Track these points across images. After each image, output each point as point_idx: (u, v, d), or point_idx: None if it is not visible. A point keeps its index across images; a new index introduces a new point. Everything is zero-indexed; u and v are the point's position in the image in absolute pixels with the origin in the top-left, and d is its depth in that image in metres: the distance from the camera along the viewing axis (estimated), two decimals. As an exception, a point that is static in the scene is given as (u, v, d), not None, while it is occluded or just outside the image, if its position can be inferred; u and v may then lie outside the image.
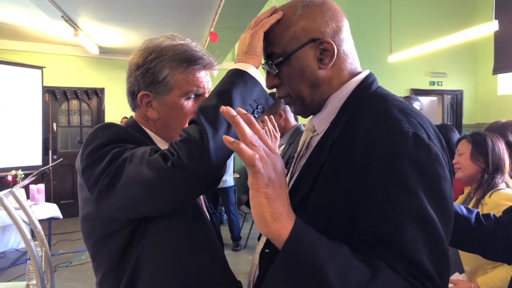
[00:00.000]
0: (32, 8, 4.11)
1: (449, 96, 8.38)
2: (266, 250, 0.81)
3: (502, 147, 1.81)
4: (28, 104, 5.59)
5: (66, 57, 6.55)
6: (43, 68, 5.83)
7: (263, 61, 0.87)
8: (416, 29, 7.24)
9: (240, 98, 0.81)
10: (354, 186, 0.69)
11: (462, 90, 8.29)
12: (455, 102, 8.39)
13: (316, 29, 0.80)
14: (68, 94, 6.63)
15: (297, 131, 2.22)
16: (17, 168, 4.90)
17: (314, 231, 0.64)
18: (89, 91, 6.75)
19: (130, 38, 5.56)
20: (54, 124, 6.57)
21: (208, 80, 1.00)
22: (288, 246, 0.61)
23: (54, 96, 6.55)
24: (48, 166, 1.94)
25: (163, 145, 0.98)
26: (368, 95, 0.80)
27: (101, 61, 6.63)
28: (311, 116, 0.89)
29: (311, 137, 0.89)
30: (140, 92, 0.96)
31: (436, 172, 0.68)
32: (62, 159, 2.97)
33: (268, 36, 0.83)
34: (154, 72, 0.94)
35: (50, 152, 6.39)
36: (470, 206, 1.76)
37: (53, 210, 4.71)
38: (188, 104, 0.97)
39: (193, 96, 0.97)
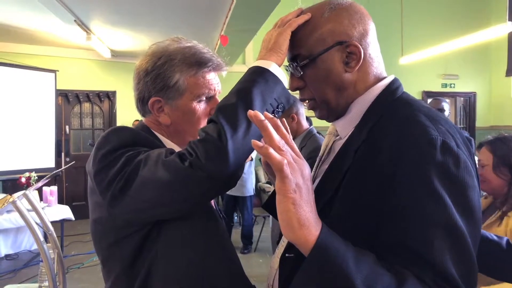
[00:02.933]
0: (46, 12, 4.17)
1: (461, 98, 8.29)
2: (287, 255, 0.80)
3: None
4: (41, 107, 5.67)
5: (79, 60, 6.63)
6: (56, 72, 5.91)
7: (285, 62, 0.86)
8: (428, 31, 7.18)
9: (261, 96, 0.79)
10: (380, 193, 0.67)
11: (475, 92, 8.20)
12: (468, 104, 8.29)
13: (343, 32, 0.79)
14: (81, 97, 6.71)
15: (309, 135, 2.21)
16: (30, 171, 4.97)
17: (340, 238, 0.64)
18: (101, 94, 6.82)
19: (141, 42, 5.61)
20: (67, 127, 6.66)
21: (218, 82, 1.00)
22: (315, 253, 0.60)
23: (66, 99, 6.64)
24: (61, 169, 1.96)
25: (175, 149, 0.96)
26: (393, 101, 0.79)
27: (113, 64, 6.71)
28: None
29: (334, 141, 0.87)
30: (151, 98, 0.95)
31: (464, 181, 0.66)
32: (74, 161, 3.00)
33: (294, 37, 0.82)
34: (164, 77, 0.93)
35: (62, 154, 6.47)
36: (494, 218, 1.64)
37: (65, 212, 4.77)
38: (200, 107, 0.96)
39: (204, 98, 0.97)
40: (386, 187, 0.66)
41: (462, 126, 8.27)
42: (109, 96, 6.88)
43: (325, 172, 0.81)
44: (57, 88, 5.95)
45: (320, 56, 0.79)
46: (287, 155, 0.61)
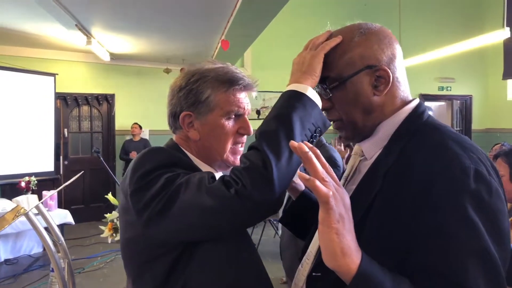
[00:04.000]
0: (46, 16, 4.16)
1: (458, 101, 8.35)
2: (314, 274, 0.82)
3: None
4: (40, 111, 5.65)
5: (78, 63, 6.61)
6: (56, 75, 5.89)
7: None
8: (425, 35, 7.24)
9: (300, 122, 0.80)
10: (411, 218, 0.69)
11: (471, 95, 8.27)
12: (464, 107, 8.36)
13: (373, 56, 0.81)
14: (79, 100, 6.69)
15: (319, 144, 2.23)
16: (29, 175, 4.96)
17: (378, 265, 0.66)
18: (99, 97, 6.81)
19: (141, 45, 5.61)
20: (66, 130, 6.63)
21: (248, 102, 1.02)
22: (357, 281, 0.62)
23: (65, 102, 6.61)
24: (71, 180, 1.96)
25: (203, 167, 0.99)
26: (420, 125, 0.80)
27: (112, 68, 6.69)
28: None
29: (360, 162, 0.89)
30: (182, 112, 0.98)
31: (497, 208, 0.68)
32: (83, 171, 2.99)
33: (324, 60, 0.83)
34: (196, 93, 0.96)
35: (61, 157, 6.44)
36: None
37: (65, 216, 4.76)
38: (229, 124, 0.98)
39: (233, 116, 0.99)
40: (419, 213, 0.68)
41: (458, 129, 8.34)
42: (108, 99, 6.86)
43: (353, 193, 0.83)
44: (56, 91, 5.94)
45: (349, 79, 0.81)
46: (331, 186, 0.63)
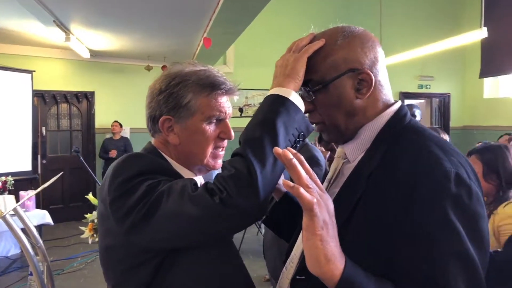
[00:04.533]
0: (23, 12, 4.05)
1: (437, 99, 8.52)
2: (298, 277, 0.82)
3: None
4: (17, 109, 5.50)
5: (56, 60, 6.47)
6: (33, 72, 5.74)
7: None
8: (405, 34, 7.35)
9: (284, 128, 0.79)
10: (393, 222, 0.70)
11: (449, 93, 8.45)
12: (443, 105, 8.53)
13: (356, 60, 0.81)
14: (58, 97, 6.54)
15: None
16: (6, 174, 4.81)
17: (361, 269, 0.66)
18: (79, 94, 6.67)
19: (122, 42, 5.52)
20: (43, 128, 6.48)
21: (230, 106, 1.00)
22: (341, 287, 0.63)
23: (43, 100, 6.45)
24: (50, 181, 1.91)
25: (182, 171, 0.98)
26: (403, 128, 0.81)
27: (91, 65, 6.56)
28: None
29: (343, 164, 0.89)
30: (162, 116, 0.96)
31: (476, 212, 0.70)
32: (62, 172, 2.92)
33: (307, 63, 0.83)
34: (177, 97, 0.94)
35: (39, 156, 6.29)
36: None
37: (44, 217, 4.65)
38: (210, 128, 0.97)
39: (214, 120, 0.97)
40: (402, 216, 0.69)
41: (437, 126, 8.51)
42: (88, 97, 6.73)
43: (337, 196, 0.83)
44: (34, 88, 5.79)
45: (332, 82, 0.81)
46: (315, 193, 0.63)
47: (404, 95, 8.02)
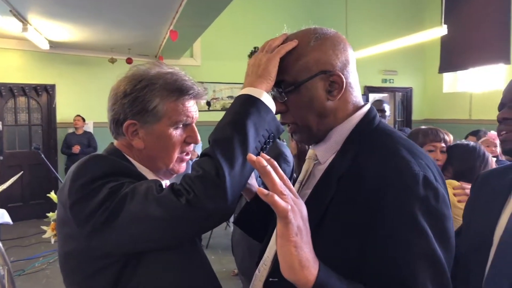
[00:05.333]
0: (-25, 0, 3.81)
1: (400, 93, 8.78)
2: (271, 279, 0.82)
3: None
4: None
5: (13, 51, 6.14)
6: (-13, 64, 5.44)
7: None
8: (370, 30, 7.50)
9: (254, 129, 0.79)
10: (364, 223, 0.71)
11: (411, 88, 8.72)
12: (405, 99, 8.80)
13: (328, 62, 0.82)
14: (15, 90, 6.22)
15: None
16: (-40, 172, 4.57)
17: (335, 274, 0.67)
18: (38, 87, 6.37)
19: (84, 33, 5.31)
20: (0, 123, 6.16)
21: (196, 110, 1.00)
22: None
23: (-1, 93, 6.13)
24: (8, 182, 1.83)
25: (148, 175, 0.96)
26: (372, 130, 0.83)
27: (51, 56, 6.27)
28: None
29: (314, 166, 0.90)
30: (126, 120, 0.93)
31: (443, 213, 0.72)
32: (22, 172, 2.79)
33: (280, 63, 0.83)
34: (143, 101, 0.92)
35: (-5, 152, 5.99)
36: None
37: (2, 216, 4.43)
38: (176, 133, 0.95)
39: (181, 125, 0.96)
40: (372, 219, 0.70)
41: (400, 119, 8.78)
42: (48, 90, 6.44)
43: (308, 198, 0.84)
44: (-12, 81, 5.49)
45: (304, 83, 0.82)
46: (289, 200, 0.63)
47: (369, 89, 8.21)
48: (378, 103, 3.65)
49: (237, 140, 0.77)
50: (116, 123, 0.95)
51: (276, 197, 0.60)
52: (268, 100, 0.83)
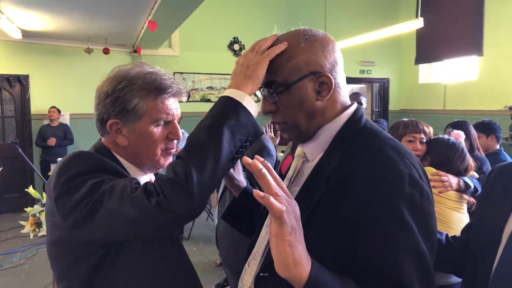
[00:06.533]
0: None
1: (377, 84, 8.91)
2: (261, 274, 0.85)
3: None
4: None
5: (-18, 40, 5.92)
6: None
7: None
8: (348, 22, 7.57)
9: (230, 133, 0.82)
10: (353, 221, 0.74)
11: (388, 79, 8.86)
12: (383, 89, 8.94)
13: (317, 63, 0.84)
14: (-14, 81, 6.03)
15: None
16: None
17: (326, 270, 0.70)
18: (11, 78, 6.16)
19: (59, 22, 5.15)
20: (-29, 115, 5.96)
21: (177, 107, 1.03)
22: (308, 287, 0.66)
23: (-31, 84, 5.91)
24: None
25: (134, 171, 1.02)
26: (359, 130, 0.86)
27: (24, 46, 6.07)
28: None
29: (302, 163, 0.93)
30: (109, 119, 0.98)
31: (427, 210, 0.77)
32: (1, 167, 2.71)
33: (270, 64, 0.85)
34: (124, 101, 0.96)
35: (-33, 145, 5.80)
36: None
37: (-24, 211, 4.34)
38: (158, 130, 0.99)
39: (162, 123, 1.00)
40: (360, 215, 0.74)
41: (377, 110, 8.93)
42: (21, 81, 6.24)
43: (298, 195, 0.87)
44: (-42, 72, 5.29)
45: (294, 84, 0.84)
46: (283, 201, 0.66)
47: (347, 80, 8.20)
48: (355, 96, 3.74)
49: (211, 145, 0.80)
50: (101, 122, 1.00)
51: (272, 199, 0.63)
52: (250, 103, 0.85)
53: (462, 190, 1.93)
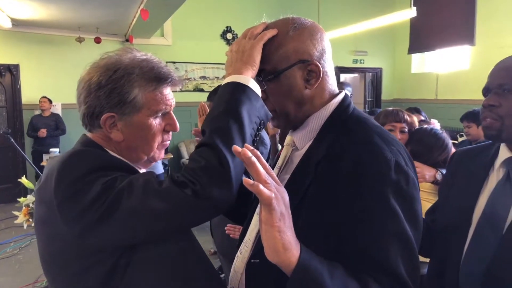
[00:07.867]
0: None
1: (370, 73, 8.93)
2: (252, 260, 0.87)
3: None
4: None
5: (-29, 29, 5.83)
6: None
7: None
8: (342, 11, 7.56)
9: (248, 116, 0.81)
10: (340, 207, 0.76)
11: (381, 68, 8.88)
12: (375, 79, 8.97)
13: (306, 51, 0.85)
14: (-24, 71, 5.94)
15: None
16: None
17: (315, 255, 0.72)
18: (1, 67, 6.08)
19: (50, 11, 5.07)
20: (-39, 105, 5.88)
21: (173, 97, 0.98)
22: (297, 273, 0.68)
23: (-42, 74, 5.83)
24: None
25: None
26: (347, 117, 0.88)
27: (14, 35, 5.98)
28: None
29: (292, 152, 0.94)
30: (103, 113, 0.89)
31: (412, 196, 0.79)
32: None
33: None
34: (121, 92, 0.88)
35: (-43, 136, 5.73)
36: None
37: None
38: (156, 123, 0.93)
39: (160, 114, 0.94)
40: (347, 202, 0.76)
41: (370, 99, 8.97)
42: (11, 70, 6.16)
43: (287, 183, 0.88)
44: None
45: (283, 72, 0.85)
46: (272, 188, 0.67)
47: (340, 70, 8.30)
48: (339, 86, 3.75)
49: (235, 128, 0.79)
50: (91, 116, 0.91)
51: (261, 186, 0.64)
52: (255, 87, 0.85)
53: (438, 182, 1.89)
